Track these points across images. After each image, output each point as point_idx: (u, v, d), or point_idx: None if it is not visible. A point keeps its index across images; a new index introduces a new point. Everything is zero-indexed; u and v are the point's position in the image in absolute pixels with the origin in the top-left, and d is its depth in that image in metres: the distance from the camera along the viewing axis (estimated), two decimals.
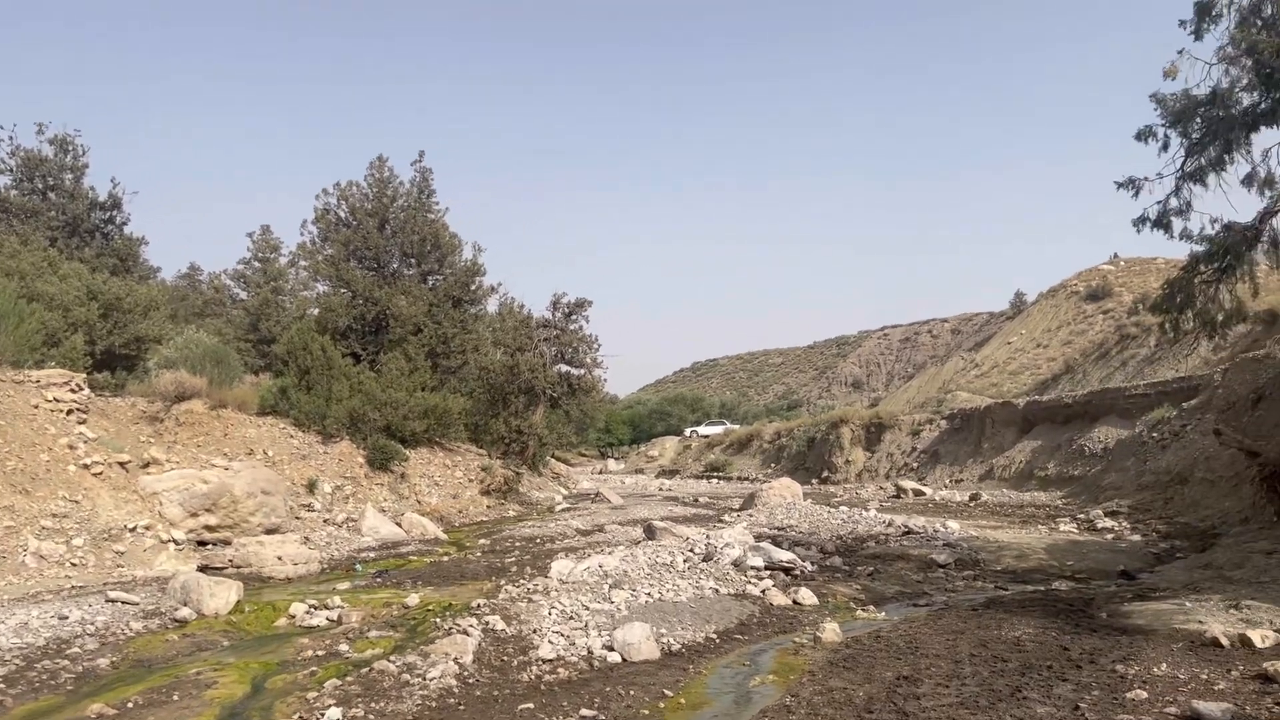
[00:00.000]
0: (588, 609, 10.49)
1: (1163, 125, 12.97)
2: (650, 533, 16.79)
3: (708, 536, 15.19)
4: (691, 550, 14.23)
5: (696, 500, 30.73)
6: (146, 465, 17.27)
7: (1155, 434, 23.47)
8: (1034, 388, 41.78)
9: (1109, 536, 16.67)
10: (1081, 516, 19.42)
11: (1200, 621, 8.88)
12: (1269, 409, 16.08)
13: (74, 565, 13.59)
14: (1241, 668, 7.30)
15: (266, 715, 7.29)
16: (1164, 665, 7.52)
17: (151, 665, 9.01)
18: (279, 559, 14.78)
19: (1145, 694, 6.78)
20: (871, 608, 11.11)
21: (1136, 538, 16.33)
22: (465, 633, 9.53)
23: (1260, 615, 8.93)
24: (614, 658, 8.59)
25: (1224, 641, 8.00)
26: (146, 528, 15.24)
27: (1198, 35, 12.65)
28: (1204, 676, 7.18)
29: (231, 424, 21.39)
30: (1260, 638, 7.93)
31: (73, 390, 17.32)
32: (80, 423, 16.98)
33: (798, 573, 13.11)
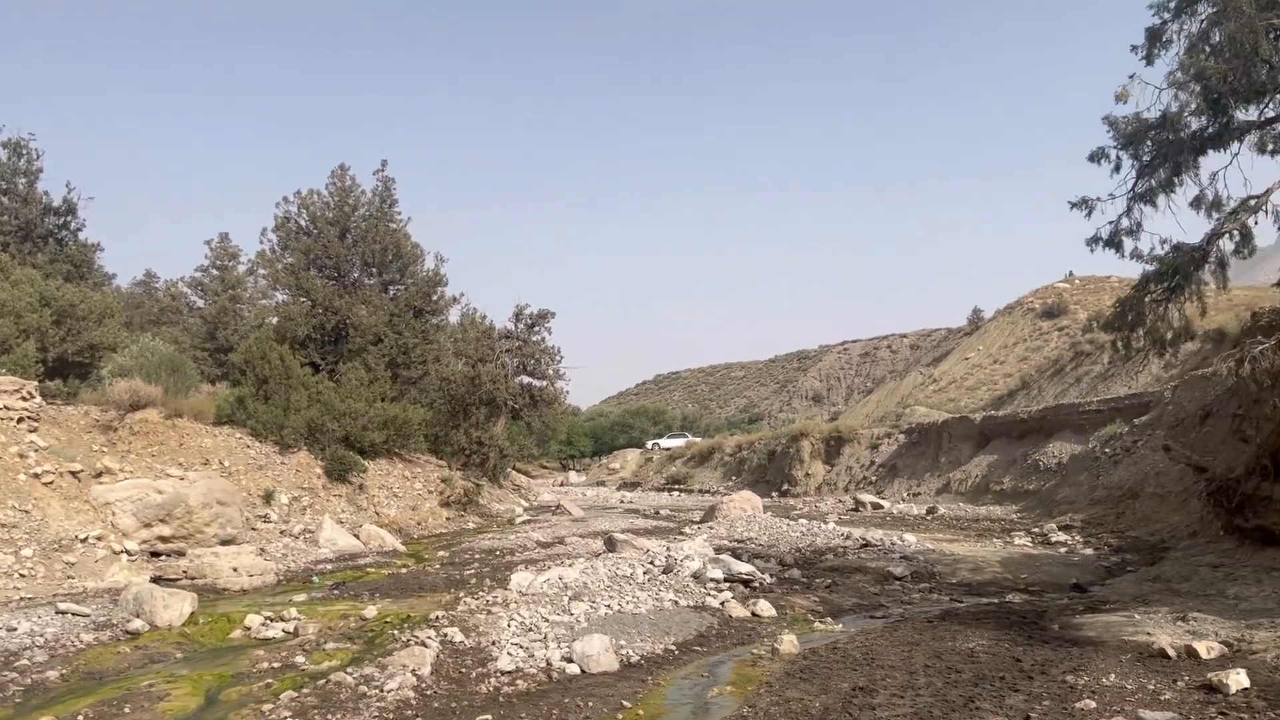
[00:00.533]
0: (547, 621, 10.49)
1: (1115, 147, 13.27)
2: (610, 545, 16.80)
3: (668, 549, 15.22)
4: (651, 562, 14.26)
5: (657, 513, 30.77)
6: (99, 475, 16.98)
7: (1108, 449, 23.88)
8: (991, 403, 42.33)
9: (1062, 550, 16.94)
10: (1036, 530, 19.71)
11: (1148, 633, 9.08)
12: (1216, 425, 16.47)
13: (23, 576, 13.32)
14: (1187, 678, 7.47)
15: None
16: (1113, 676, 7.67)
17: (102, 677, 8.87)
18: (234, 570, 14.61)
19: (1094, 704, 6.92)
20: (829, 619, 11.21)
21: (1089, 551, 16.60)
22: (423, 645, 9.49)
23: (1206, 627, 9.14)
24: (573, 669, 8.59)
25: (1171, 653, 8.18)
26: (98, 538, 14.98)
27: (1149, 60, 12.97)
28: (1151, 687, 7.34)
29: (187, 433, 21.10)
30: (1206, 649, 8.11)
31: (24, 398, 17.00)
32: (31, 431, 16.67)
33: (756, 585, 13.20)
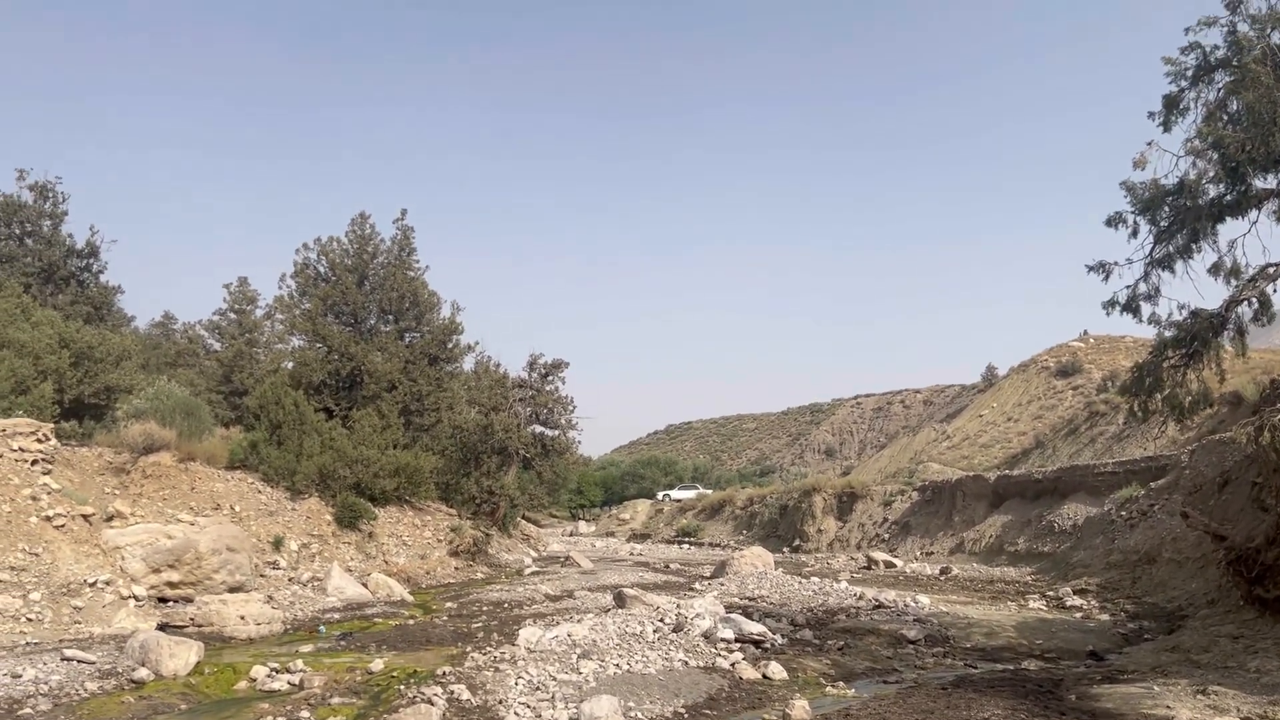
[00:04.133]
0: (555, 679, 10.37)
1: (1132, 212, 13.33)
2: (620, 600, 16.66)
3: (678, 606, 15.09)
4: (661, 620, 14.12)
5: (667, 566, 30.52)
6: (110, 518, 17.00)
7: (1124, 513, 23.60)
8: (1004, 461, 42.04)
9: (1078, 615, 16.69)
10: (1051, 594, 19.44)
11: (1168, 707, 8.90)
12: (1234, 493, 16.29)
13: (30, 620, 13.27)
14: None
15: None
16: None
17: None
18: (241, 618, 14.53)
19: None
20: (841, 684, 11.04)
21: (1105, 617, 16.36)
22: (429, 702, 9.38)
23: (1228, 702, 8.95)
24: None
25: None
26: (107, 583, 14.93)
27: (1166, 127, 13.07)
28: None
29: (199, 477, 21.11)
30: None
31: (39, 440, 17.06)
32: (45, 473, 16.71)
33: (768, 645, 13.03)
